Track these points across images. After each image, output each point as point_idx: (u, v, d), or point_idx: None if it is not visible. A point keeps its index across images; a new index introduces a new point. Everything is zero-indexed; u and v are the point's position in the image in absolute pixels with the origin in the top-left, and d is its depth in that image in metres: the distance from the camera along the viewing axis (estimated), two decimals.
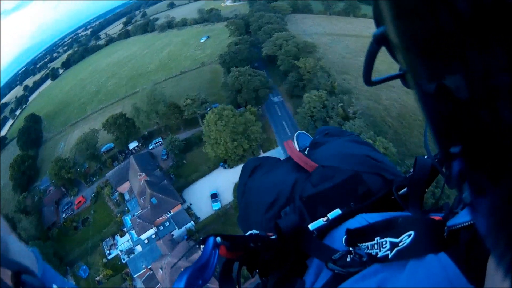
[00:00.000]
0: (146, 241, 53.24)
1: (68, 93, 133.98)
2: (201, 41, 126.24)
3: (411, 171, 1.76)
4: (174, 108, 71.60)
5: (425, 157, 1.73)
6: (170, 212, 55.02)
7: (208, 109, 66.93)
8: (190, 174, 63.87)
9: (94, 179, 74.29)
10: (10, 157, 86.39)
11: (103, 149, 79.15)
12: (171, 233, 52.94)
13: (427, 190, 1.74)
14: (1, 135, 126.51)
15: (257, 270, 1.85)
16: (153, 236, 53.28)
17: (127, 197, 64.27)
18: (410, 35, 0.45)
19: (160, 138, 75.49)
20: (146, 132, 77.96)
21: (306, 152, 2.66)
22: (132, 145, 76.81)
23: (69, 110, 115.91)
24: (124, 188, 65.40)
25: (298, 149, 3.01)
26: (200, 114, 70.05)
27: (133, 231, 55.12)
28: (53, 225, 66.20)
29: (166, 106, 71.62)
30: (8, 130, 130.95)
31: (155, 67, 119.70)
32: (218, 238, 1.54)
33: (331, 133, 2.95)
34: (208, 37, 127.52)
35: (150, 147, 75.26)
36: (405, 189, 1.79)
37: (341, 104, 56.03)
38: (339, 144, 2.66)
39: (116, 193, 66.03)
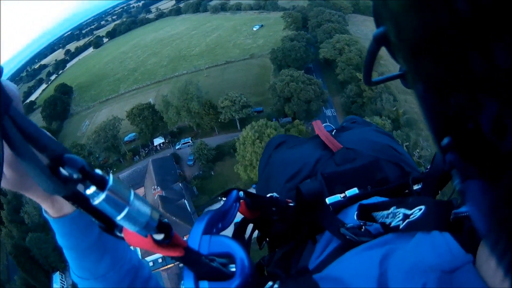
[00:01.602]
0: (151, 263, 45.03)
1: (105, 66, 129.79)
2: (254, 29, 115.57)
3: (428, 167, 1.79)
4: (209, 108, 62.13)
5: None
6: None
7: (250, 113, 58.42)
8: (216, 190, 52.39)
9: (111, 171, 63.57)
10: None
11: (126, 138, 71.93)
12: (180, 265, 42.82)
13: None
14: (32, 99, 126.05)
15: (267, 240, 1.94)
16: (160, 260, 45.42)
17: None
18: (410, 35, 0.45)
19: (190, 138, 66.90)
20: (175, 129, 69.37)
21: (332, 134, 2.54)
22: (158, 141, 69.05)
23: (103, 84, 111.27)
24: (139, 193, 54.84)
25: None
26: (239, 118, 60.78)
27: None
28: None
29: (201, 104, 62.29)
30: (40, 95, 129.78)
31: (200, 51, 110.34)
32: (241, 193, 1.57)
33: (358, 122, 2.98)
34: (262, 26, 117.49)
35: (177, 147, 66.47)
36: (420, 185, 1.83)
37: (407, 143, 44.64)
38: (364, 131, 2.67)
39: None
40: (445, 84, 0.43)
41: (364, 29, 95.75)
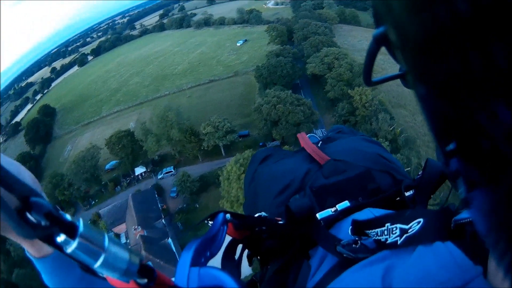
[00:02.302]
0: None
1: (89, 85, 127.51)
2: (238, 44, 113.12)
3: (419, 173, 1.82)
4: (190, 135, 58.01)
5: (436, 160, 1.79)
6: None
7: (235, 139, 54.83)
8: (202, 225, 48.94)
9: (93, 202, 63.19)
10: (19, 148, 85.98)
11: (107, 166, 68.92)
12: None
13: (432, 196, 1.81)
14: (18, 119, 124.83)
15: (258, 258, 1.93)
16: None
17: (123, 239, 51.53)
18: (410, 35, 0.45)
19: (172, 167, 63.18)
20: (156, 156, 65.57)
21: (318, 146, 2.57)
22: (139, 170, 65.73)
23: (86, 106, 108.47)
24: (120, 229, 53.73)
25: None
26: (223, 145, 56.84)
27: None
28: None
29: (182, 131, 58.21)
30: (25, 115, 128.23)
31: (183, 69, 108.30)
32: (228, 215, 1.59)
33: (344, 131, 3.01)
34: (246, 40, 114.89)
35: (159, 176, 62.84)
36: (412, 191, 1.84)
37: (408, 168, 40.72)
38: (352, 141, 2.68)
39: (111, 232, 52.92)
40: (445, 85, 0.43)
41: (351, 40, 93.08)
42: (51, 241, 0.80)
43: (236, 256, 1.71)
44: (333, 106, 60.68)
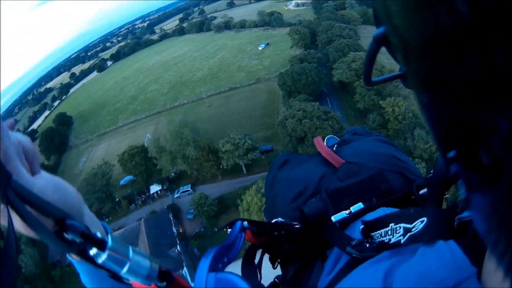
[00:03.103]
0: None
1: (107, 92, 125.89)
2: (259, 48, 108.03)
3: (431, 172, 1.75)
4: (208, 154, 52.89)
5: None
6: None
7: (257, 156, 49.66)
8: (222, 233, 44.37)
9: (107, 220, 58.03)
10: None
11: (122, 182, 65.10)
12: None
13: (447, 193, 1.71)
14: (35, 126, 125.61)
15: (278, 260, 1.99)
16: None
17: None
18: (410, 35, 0.45)
19: (190, 186, 58.21)
20: (173, 173, 60.33)
21: (334, 149, 2.58)
22: (154, 188, 61.37)
23: (102, 114, 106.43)
24: None
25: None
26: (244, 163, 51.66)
27: None
28: (56, 263, 54.43)
29: (198, 148, 53.06)
30: (43, 121, 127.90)
31: (202, 75, 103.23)
32: (245, 223, 1.65)
33: (359, 133, 3.05)
34: (268, 44, 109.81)
35: (175, 195, 58.09)
36: (425, 190, 1.80)
37: (447, 196, 34.32)
38: (366, 143, 2.70)
39: None
40: (445, 85, 0.43)
41: None
42: (85, 255, 0.93)
43: (257, 260, 1.77)
44: (362, 117, 55.53)
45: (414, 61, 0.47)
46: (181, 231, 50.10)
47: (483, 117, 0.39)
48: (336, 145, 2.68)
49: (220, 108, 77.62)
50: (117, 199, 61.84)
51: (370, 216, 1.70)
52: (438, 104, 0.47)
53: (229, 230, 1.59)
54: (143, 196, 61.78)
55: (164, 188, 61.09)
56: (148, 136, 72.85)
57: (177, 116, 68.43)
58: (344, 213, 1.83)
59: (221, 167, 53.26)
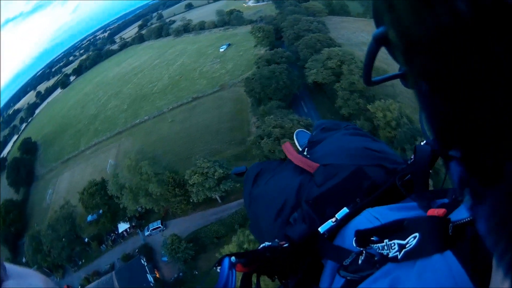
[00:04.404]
0: None
1: (68, 112, 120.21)
2: (221, 50, 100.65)
3: (411, 157, 1.87)
4: (174, 188, 44.57)
5: (423, 143, 1.91)
6: None
7: (230, 187, 41.66)
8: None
9: (80, 262, 54.67)
10: (3, 191, 78.84)
11: (89, 218, 58.45)
12: None
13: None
14: (5, 153, 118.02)
15: (276, 276, 1.95)
16: None
17: None
18: (410, 35, 0.45)
19: (160, 222, 51.00)
20: (139, 209, 52.17)
21: (305, 153, 2.56)
22: (123, 226, 55.15)
23: (65, 137, 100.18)
24: None
25: (299, 148, 3.17)
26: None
27: None
28: None
29: (162, 184, 44.75)
30: (12, 148, 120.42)
31: (162, 86, 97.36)
32: (233, 258, 1.60)
33: (328, 127, 2.92)
34: (229, 45, 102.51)
35: (146, 233, 51.90)
36: (408, 176, 1.87)
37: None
38: (337, 139, 2.64)
39: None
40: (445, 85, 0.43)
41: (345, 32, 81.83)
42: None
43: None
44: (347, 120, 45.91)
45: (415, 60, 0.46)
46: (158, 276, 43.19)
47: (483, 116, 0.39)
48: (306, 148, 2.60)
49: (184, 122, 70.88)
50: (86, 240, 56.12)
51: (358, 221, 1.70)
52: (438, 103, 0.46)
53: (218, 268, 1.54)
54: (112, 235, 55.53)
55: (133, 225, 54.63)
56: (111, 163, 69.38)
57: (138, 136, 65.15)
58: (330, 222, 1.79)
59: (191, 201, 45.78)
